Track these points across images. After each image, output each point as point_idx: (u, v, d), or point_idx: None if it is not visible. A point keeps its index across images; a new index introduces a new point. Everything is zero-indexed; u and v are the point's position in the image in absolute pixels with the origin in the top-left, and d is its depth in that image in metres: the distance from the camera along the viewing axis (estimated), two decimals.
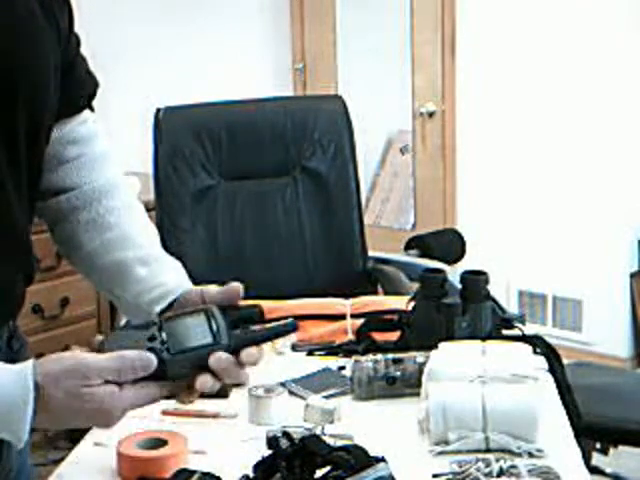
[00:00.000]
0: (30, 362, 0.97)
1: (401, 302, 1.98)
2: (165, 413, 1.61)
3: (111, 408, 0.97)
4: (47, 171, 1.20)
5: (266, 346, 2.09)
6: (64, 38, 1.16)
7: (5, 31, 1.06)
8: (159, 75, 4.11)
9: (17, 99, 1.08)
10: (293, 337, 2.04)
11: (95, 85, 1.27)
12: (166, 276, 1.17)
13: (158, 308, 1.13)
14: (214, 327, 1.00)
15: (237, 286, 1.10)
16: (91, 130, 1.26)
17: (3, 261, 1.12)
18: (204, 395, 1.02)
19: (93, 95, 1.27)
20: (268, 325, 1.05)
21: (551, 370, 1.78)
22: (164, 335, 0.97)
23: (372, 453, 1.26)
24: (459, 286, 1.87)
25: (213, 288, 1.12)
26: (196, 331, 1.00)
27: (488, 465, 1.39)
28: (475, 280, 1.85)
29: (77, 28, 1.21)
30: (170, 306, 1.13)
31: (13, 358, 1.11)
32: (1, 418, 0.95)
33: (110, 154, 1.29)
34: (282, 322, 1.05)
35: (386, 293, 2.60)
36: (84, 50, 1.25)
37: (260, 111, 2.79)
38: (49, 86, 1.12)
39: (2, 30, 1.05)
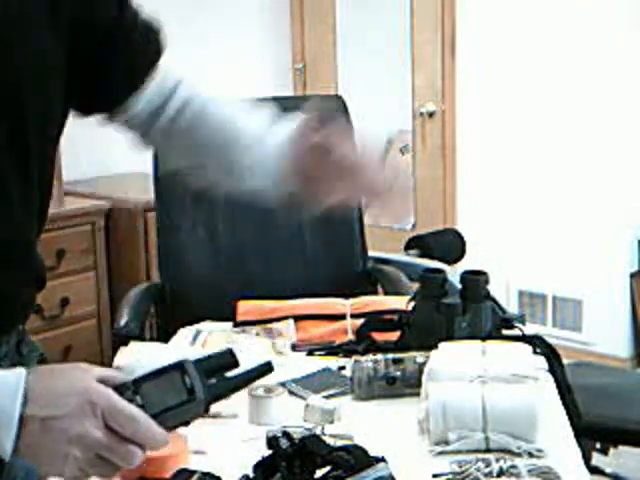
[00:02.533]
0: (23, 371, 0.93)
1: (401, 302, 1.98)
2: None
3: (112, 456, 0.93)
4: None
5: (266, 346, 2.09)
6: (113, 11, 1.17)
7: None
8: None
9: (22, 96, 1.07)
10: (293, 337, 2.04)
11: (157, 52, 1.31)
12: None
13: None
14: (188, 383, 0.99)
15: None
16: (173, 80, 1.31)
17: (7, 268, 1.11)
18: None
19: (157, 59, 1.31)
20: (243, 371, 1.04)
21: (551, 370, 1.78)
22: (139, 399, 0.96)
23: (372, 453, 1.26)
24: (459, 286, 1.87)
25: None
26: (170, 390, 0.98)
27: (488, 465, 1.39)
28: (475, 280, 1.85)
29: None
30: None
31: (22, 363, 1.11)
32: None
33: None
34: (257, 365, 1.05)
35: (386, 293, 2.60)
36: None
37: None
38: (44, 86, 1.12)
39: None
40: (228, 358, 1.04)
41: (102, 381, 0.95)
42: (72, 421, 0.91)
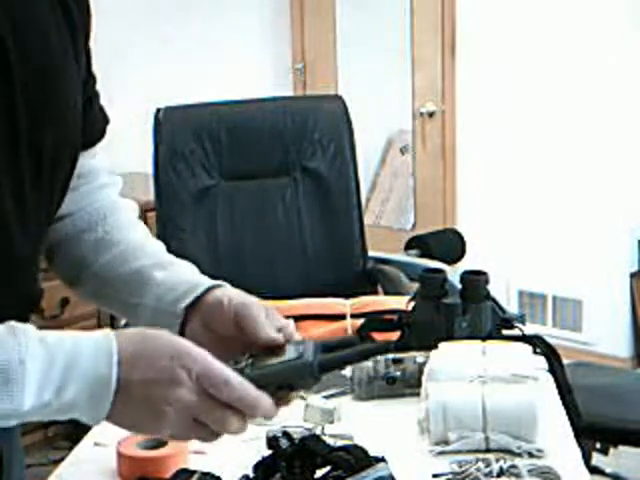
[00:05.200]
0: (112, 333, 0.93)
1: (401, 302, 1.98)
2: None
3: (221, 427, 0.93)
4: None
5: None
6: (83, 75, 1.17)
7: (40, 70, 1.06)
8: (159, 75, 4.11)
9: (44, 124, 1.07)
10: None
11: (106, 121, 1.27)
12: (186, 275, 1.16)
13: (184, 304, 1.10)
14: (301, 349, 0.98)
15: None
16: (99, 162, 1.27)
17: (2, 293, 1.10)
18: None
19: (105, 130, 1.27)
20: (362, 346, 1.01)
21: (551, 370, 1.78)
22: (250, 359, 0.97)
23: (372, 453, 1.26)
24: (459, 286, 1.87)
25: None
26: (282, 356, 0.98)
27: (488, 465, 1.39)
28: (475, 280, 1.85)
29: None
30: (197, 301, 1.10)
31: None
32: (85, 394, 0.90)
33: (114, 180, 1.30)
34: (377, 342, 1.06)
35: (386, 293, 2.60)
36: None
37: (260, 111, 2.79)
38: (72, 113, 1.12)
39: (37, 68, 1.05)
40: (352, 339, 1.04)
41: None
42: (167, 386, 0.91)
